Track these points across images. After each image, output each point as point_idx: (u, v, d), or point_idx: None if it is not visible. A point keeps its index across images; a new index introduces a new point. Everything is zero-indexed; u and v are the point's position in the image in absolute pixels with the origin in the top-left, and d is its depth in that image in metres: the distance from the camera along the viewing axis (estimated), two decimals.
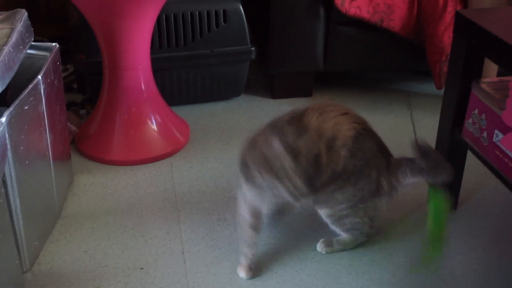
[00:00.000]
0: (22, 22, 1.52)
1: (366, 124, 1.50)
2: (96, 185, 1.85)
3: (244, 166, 1.45)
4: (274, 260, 1.55)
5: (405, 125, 2.22)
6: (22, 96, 1.39)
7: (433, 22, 2.12)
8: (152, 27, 1.93)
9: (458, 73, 1.55)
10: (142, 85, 1.97)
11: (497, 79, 1.56)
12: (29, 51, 1.58)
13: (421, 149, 1.46)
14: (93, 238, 1.62)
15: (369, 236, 1.57)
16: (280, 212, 1.62)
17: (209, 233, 1.64)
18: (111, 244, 1.59)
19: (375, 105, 2.36)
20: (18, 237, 1.42)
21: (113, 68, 1.92)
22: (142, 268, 1.51)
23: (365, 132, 1.47)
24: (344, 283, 1.48)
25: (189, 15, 2.16)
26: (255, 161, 1.42)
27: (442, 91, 1.72)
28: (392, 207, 1.59)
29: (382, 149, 1.50)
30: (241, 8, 2.21)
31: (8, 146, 1.30)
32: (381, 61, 2.37)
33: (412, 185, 1.49)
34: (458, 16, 1.54)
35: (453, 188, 1.71)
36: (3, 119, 1.28)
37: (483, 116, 1.49)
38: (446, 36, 2.09)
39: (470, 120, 1.55)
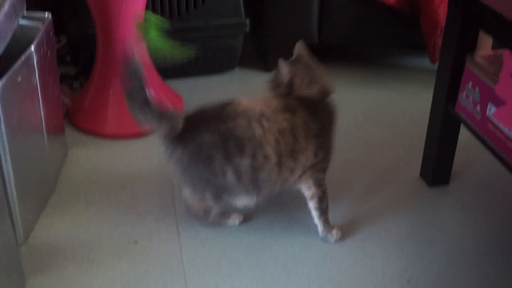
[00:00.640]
0: None
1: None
2: (90, 158, 1.85)
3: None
4: (269, 234, 1.56)
5: (399, 100, 2.22)
6: (15, 67, 1.37)
7: None
8: None
9: (453, 46, 1.55)
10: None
11: (491, 52, 1.56)
12: (21, 21, 1.56)
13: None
14: (88, 212, 1.62)
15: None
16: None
17: None
18: (105, 218, 1.60)
19: (369, 79, 2.36)
20: (12, 210, 1.42)
21: (107, 39, 1.91)
22: (137, 242, 1.52)
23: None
24: (337, 257, 1.50)
25: None
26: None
27: (436, 66, 1.71)
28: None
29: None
30: None
31: (1, 118, 1.30)
32: (376, 35, 2.36)
33: None
34: None
35: (446, 162, 1.72)
36: None
37: (477, 89, 1.49)
38: (441, 9, 2.08)
39: (464, 94, 1.55)
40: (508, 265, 1.48)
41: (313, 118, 1.47)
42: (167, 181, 1.74)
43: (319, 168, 1.50)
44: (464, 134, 1.66)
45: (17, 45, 1.51)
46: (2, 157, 1.35)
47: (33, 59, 1.49)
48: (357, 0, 2.21)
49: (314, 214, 1.54)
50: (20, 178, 1.43)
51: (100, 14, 1.86)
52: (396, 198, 1.70)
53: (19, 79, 1.40)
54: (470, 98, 1.52)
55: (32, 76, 1.49)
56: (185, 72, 2.30)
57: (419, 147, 1.79)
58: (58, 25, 1.82)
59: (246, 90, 2.25)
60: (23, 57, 1.43)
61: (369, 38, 2.40)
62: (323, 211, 1.53)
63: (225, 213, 1.53)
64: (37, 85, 1.53)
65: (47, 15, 1.63)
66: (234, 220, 1.58)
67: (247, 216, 1.60)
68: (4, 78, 1.32)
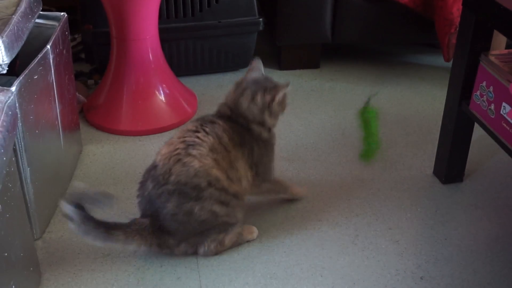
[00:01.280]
0: None
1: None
2: (105, 155, 1.86)
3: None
4: (282, 229, 1.57)
5: (412, 98, 2.21)
6: (32, 65, 1.39)
7: None
8: None
9: (467, 45, 1.55)
10: (150, 55, 1.97)
11: (505, 51, 1.56)
12: (37, 20, 1.58)
13: None
14: None
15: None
16: None
17: None
18: (120, 213, 1.61)
19: (382, 78, 2.36)
20: (29, 205, 1.44)
21: (121, 38, 1.92)
22: None
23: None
24: (350, 253, 1.50)
25: None
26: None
27: (450, 64, 1.71)
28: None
29: None
30: None
31: (19, 115, 1.32)
32: (389, 34, 2.36)
33: None
34: None
35: (459, 160, 1.72)
36: (13, 88, 1.28)
37: (491, 88, 1.49)
38: (455, 8, 2.08)
39: (478, 93, 1.55)
40: None
41: (230, 127, 1.48)
42: None
43: (262, 179, 1.53)
44: (477, 132, 1.66)
45: (34, 44, 1.53)
46: (19, 153, 1.37)
47: (49, 57, 1.51)
48: None
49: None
50: (37, 173, 1.45)
51: (114, 12, 1.88)
52: (410, 195, 1.70)
53: (36, 77, 1.42)
54: (484, 97, 1.52)
55: (48, 74, 1.51)
56: (199, 69, 2.32)
57: (433, 145, 1.79)
58: (73, 24, 1.84)
59: None
60: (39, 56, 1.44)
61: (383, 36, 2.40)
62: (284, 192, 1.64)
63: (240, 233, 1.52)
64: (53, 82, 1.54)
65: (62, 14, 1.65)
66: (252, 234, 1.55)
67: (261, 213, 1.61)
68: (22, 76, 1.34)
